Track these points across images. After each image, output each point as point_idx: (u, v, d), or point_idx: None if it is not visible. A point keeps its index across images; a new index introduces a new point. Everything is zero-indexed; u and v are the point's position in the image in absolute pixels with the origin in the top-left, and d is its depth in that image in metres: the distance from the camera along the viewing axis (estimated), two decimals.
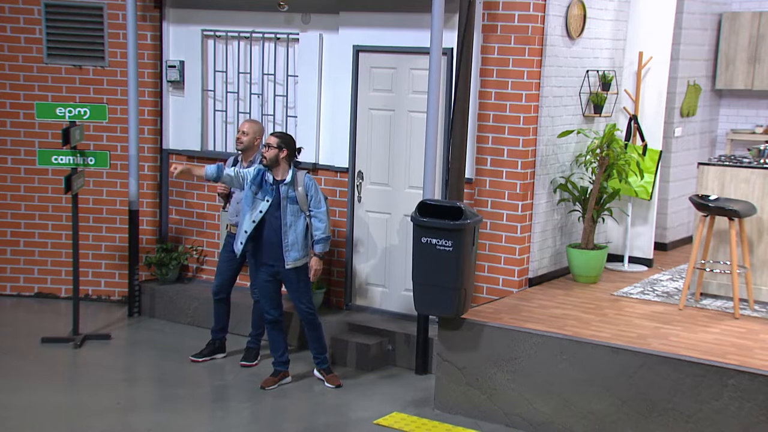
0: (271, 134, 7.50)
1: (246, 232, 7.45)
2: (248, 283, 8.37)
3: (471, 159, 8.14)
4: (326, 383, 7.76)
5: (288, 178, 7.41)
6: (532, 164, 8.10)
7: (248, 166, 7.96)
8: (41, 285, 10.13)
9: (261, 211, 7.42)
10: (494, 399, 7.04)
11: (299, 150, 7.58)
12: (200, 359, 8.31)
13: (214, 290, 8.35)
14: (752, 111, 11.07)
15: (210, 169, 7.42)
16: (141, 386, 7.88)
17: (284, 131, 7.88)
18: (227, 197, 8.29)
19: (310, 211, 7.49)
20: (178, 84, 9.70)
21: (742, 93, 11.03)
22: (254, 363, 8.24)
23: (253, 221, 7.43)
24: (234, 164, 8.16)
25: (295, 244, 7.44)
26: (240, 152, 8.15)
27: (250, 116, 9.28)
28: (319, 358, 7.80)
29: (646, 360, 6.44)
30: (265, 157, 7.35)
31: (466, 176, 8.05)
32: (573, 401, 6.72)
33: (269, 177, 7.42)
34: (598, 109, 8.75)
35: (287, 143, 7.41)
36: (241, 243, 7.49)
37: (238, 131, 8.11)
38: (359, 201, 8.75)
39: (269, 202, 7.40)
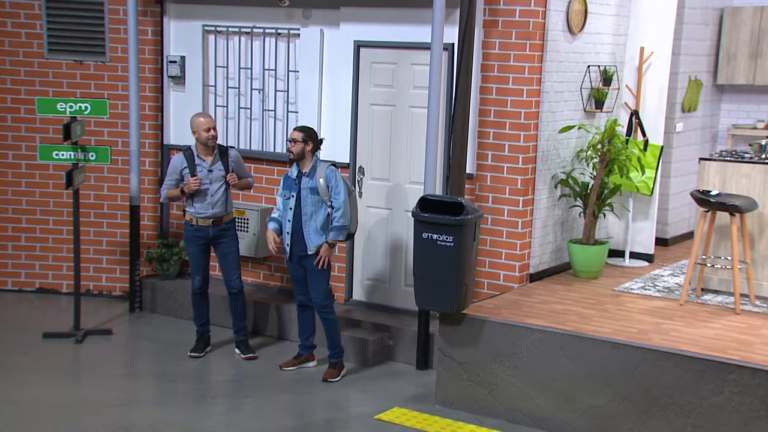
0: (295, 129, 7.67)
1: (288, 233, 7.68)
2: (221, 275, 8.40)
3: (472, 154, 8.14)
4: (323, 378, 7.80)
5: (308, 170, 7.58)
6: (533, 159, 8.09)
7: (213, 163, 8.00)
8: (42, 280, 10.13)
9: (291, 208, 7.63)
10: (495, 394, 7.05)
11: (321, 140, 7.79)
12: (199, 354, 8.32)
13: (199, 285, 8.27)
14: (753, 106, 11.06)
15: (273, 226, 7.77)
16: (142, 381, 7.88)
17: (305, 124, 7.99)
18: (192, 196, 8.07)
19: (331, 201, 7.58)
20: (179, 79, 9.70)
21: (743, 88, 11.02)
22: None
23: (289, 220, 7.65)
24: (191, 161, 8.01)
25: (315, 232, 7.62)
26: (192, 146, 8.07)
27: (251, 113, 9.29)
28: (329, 353, 7.84)
29: (646, 355, 6.44)
30: (292, 152, 7.57)
31: (467, 171, 8.04)
32: (574, 396, 6.72)
33: (292, 172, 7.65)
34: (599, 104, 8.74)
35: (311, 136, 7.61)
36: (287, 245, 7.71)
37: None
38: (360, 196, 8.75)
39: (294, 197, 7.61)
